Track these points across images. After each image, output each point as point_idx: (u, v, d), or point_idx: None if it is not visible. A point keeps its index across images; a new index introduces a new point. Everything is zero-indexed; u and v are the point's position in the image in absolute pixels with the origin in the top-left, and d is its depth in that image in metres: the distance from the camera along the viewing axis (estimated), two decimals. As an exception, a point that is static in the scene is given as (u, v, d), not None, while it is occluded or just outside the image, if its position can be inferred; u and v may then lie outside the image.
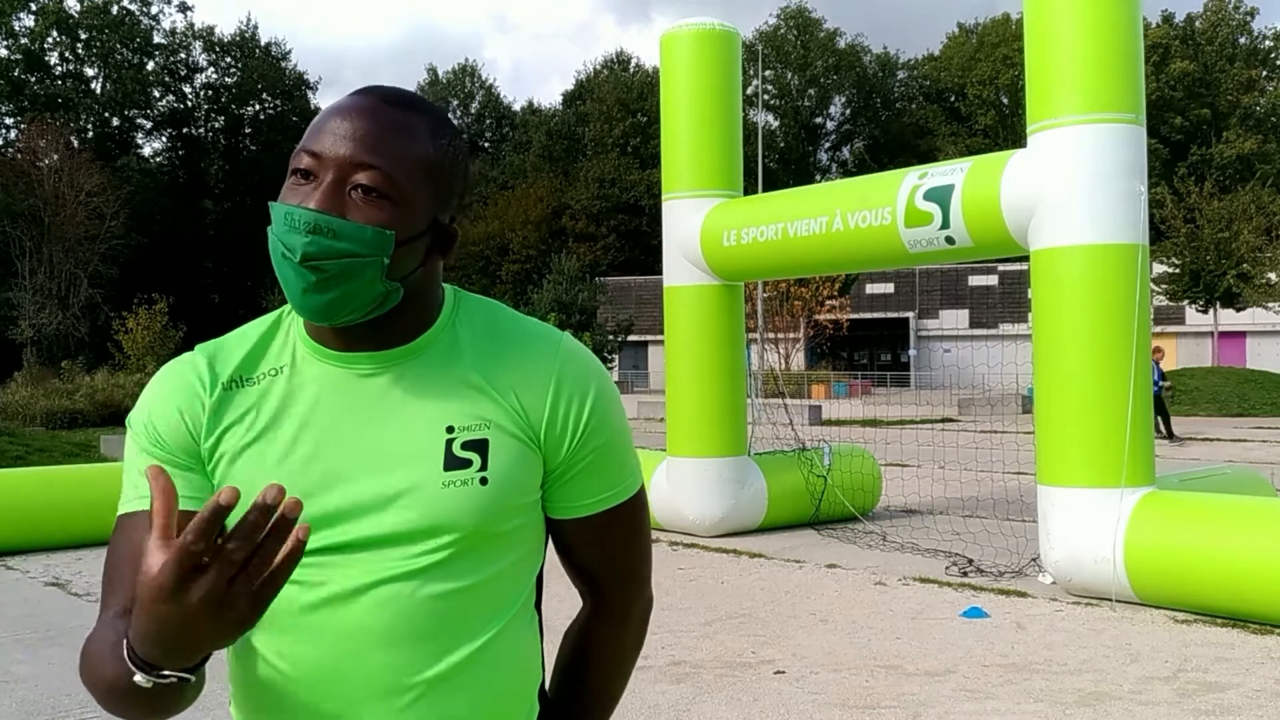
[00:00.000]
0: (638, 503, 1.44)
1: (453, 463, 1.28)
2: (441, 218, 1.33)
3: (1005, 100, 65.12)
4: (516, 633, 1.36)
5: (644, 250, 59.46)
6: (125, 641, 1.10)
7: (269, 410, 1.32)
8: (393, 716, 1.27)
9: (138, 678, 1.09)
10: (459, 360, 1.34)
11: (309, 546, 1.25)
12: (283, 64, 63.84)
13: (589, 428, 1.35)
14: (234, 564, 1.00)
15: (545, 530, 1.42)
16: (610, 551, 1.44)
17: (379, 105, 1.28)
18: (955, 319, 51.08)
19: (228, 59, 62.30)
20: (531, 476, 1.34)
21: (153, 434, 1.33)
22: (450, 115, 1.39)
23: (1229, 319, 40.95)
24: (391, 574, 1.27)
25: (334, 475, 1.29)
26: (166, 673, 1.08)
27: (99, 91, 57.83)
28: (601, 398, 1.37)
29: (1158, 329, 37.38)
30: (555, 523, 1.41)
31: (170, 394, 1.34)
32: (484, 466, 1.29)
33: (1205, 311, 39.00)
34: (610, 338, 44.61)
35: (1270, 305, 36.55)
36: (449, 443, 1.29)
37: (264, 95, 62.60)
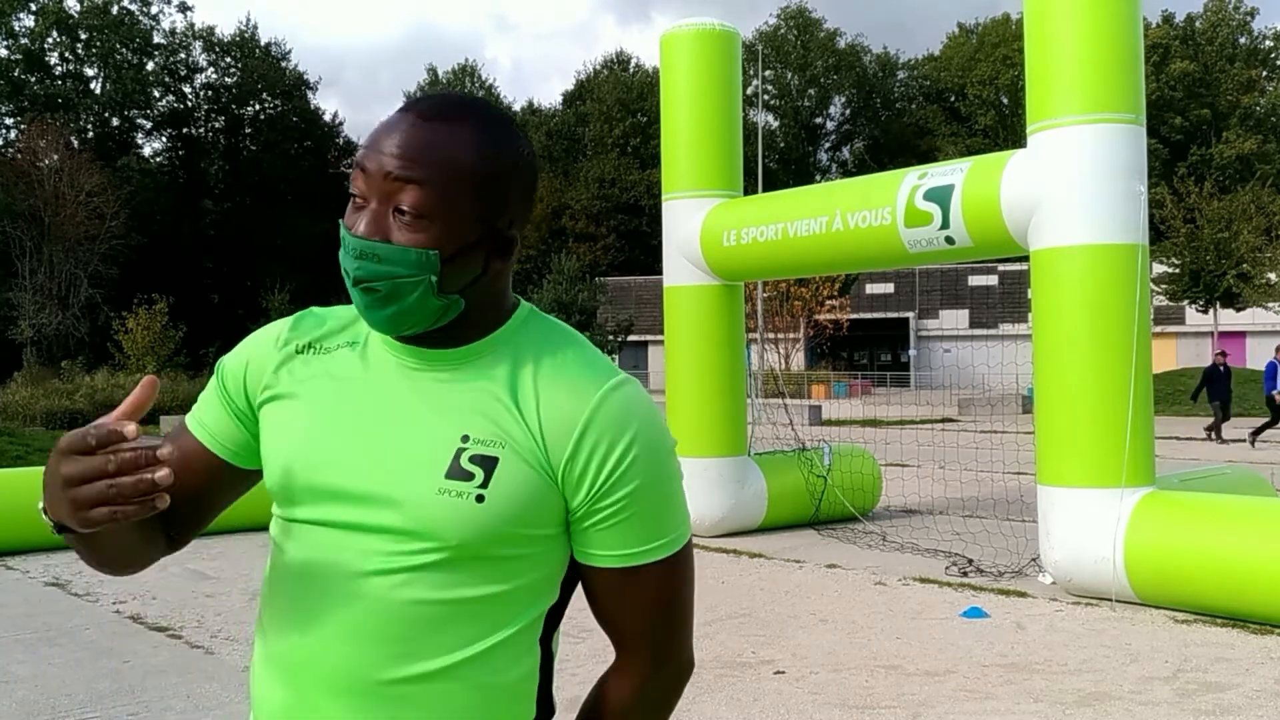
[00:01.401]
0: (672, 565, 1.35)
1: (455, 472, 1.27)
2: (499, 224, 1.31)
3: (1005, 100, 65.13)
4: (503, 661, 1.31)
5: (644, 250, 59.47)
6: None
7: (325, 378, 1.37)
8: (346, 715, 1.27)
9: (44, 517, 1.26)
10: (500, 376, 1.32)
11: (302, 516, 1.32)
12: (283, 64, 63.76)
13: (613, 479, 1.29)
14: (96, 467, 1.13)
15: (566, 568, 1.37)
16: (634, 609, 1.36)
17: (418, 121, 1.27)
18: (955, 319, 51.07)
19: (228, 59, 62.25)
20: (541, 510, 1.29)
21: (223, 374, 1.45)
22: (503, 114, 1.37)
23: (1229, 319, 40.93)
24: (371, 568, 1.27)
25: (346, 454, 1.31)
26: (62, 530, 1.24)
27: (99, 91, 57.80)
28: (634, 450, 1.29)
29: (1158, 329, 37.37)
30: (578, 565, 1.36)
31: (250, 347, 1.45)
32: (484, 484, 1.26)
33: (1205, 311, 38.98)
34: (610, 338, 44.58)
35: (1270, 305, 36.52)
36: (459, 451, 1.28)
37: (264, 95, 62.52)
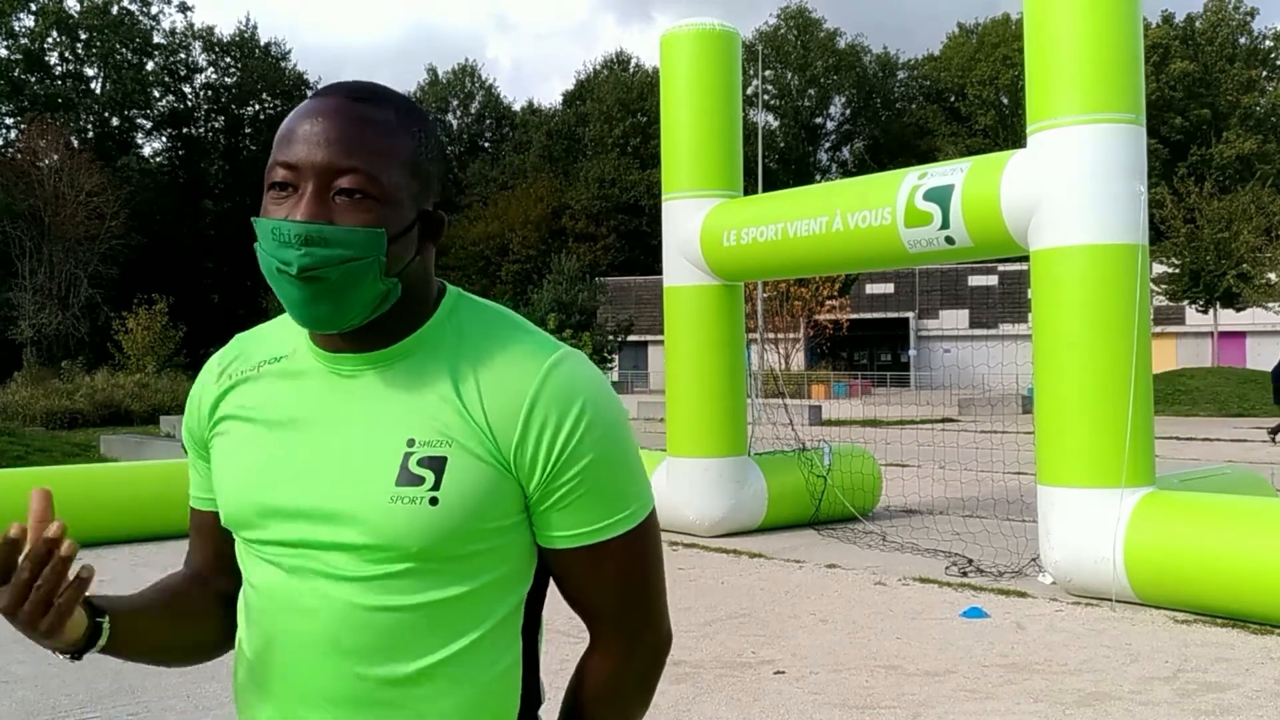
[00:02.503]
0: (636, 538, 1.33)
1: (405, 478, 1.24)
2: (426, 205, 1.30)
3: (1005, 100, 65.10)
4: (484, 657, 1.29)
5: (644, 250, 59.45)
6: None
7: (262, 401, 1.35)
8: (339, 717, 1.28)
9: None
10: (437, 371, 1.29)
11: (260, 538, 1.31)
12: (282, 64, 63.83)
13: (565, 455, 1.26)
14: (22, 584, 1.15)
15: (536, 554, 1.35)
16: (603, 586, 1.34)
17: (345, 103, 1.25)
18: (955, 319, 51.07)
19: (227, 59, 62.29)
20: (499, 501, 1.27)
21: (188, 436, 1.47)
22: (413, 100, 1.37)
23: (1229, 319, 40.95)
24: (337, 582, 1.26)
25: (294, 473, 1.29)
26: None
27: (99, 91, 57.80)
28: (583, 423, 1.26)
29: (1158, 329, 37.35)
30: (542, 550, 1.34)
31: (195, 397, 1.46)
32: (436, 486, 1.23)
33: (1205, 311, 39.00)
34: (610, 338, 44.58)
35: (1270, 305, 36.54)
36: (406, 456, 1.25)
37: (264, 95, 62.58)
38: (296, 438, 1.31)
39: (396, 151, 1.26)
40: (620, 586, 1.34)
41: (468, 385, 1.27)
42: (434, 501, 1.23)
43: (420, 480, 1.24)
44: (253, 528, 1.32)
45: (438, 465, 1.24)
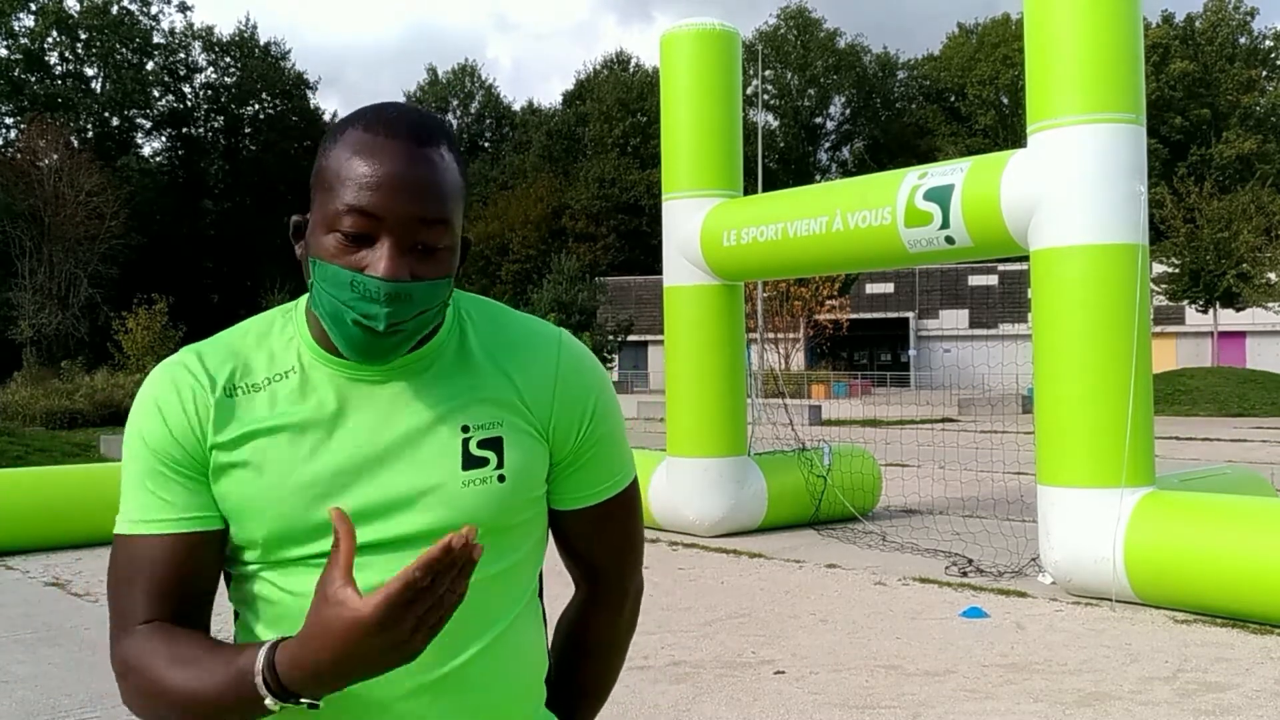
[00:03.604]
0: (633, 490, 1.49)
1: (471, 462, 1.32)
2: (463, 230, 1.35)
3: (1005, 100, 65.11)
4: (527, 623, 1.39)
5: (644, 250, 59.46)
6: (262, 666, 1.16)
7: (283, 414, 1.31)
8: (417, 712, 1.29)
9: (268, 701, 1.15)
10: (468, 361, 1.36)
11: (312, 551, 1.29)
12: (282, 64, 63.78)
13: (593, 420, 1.40)
14: (436, 597, 1.09)
15: (547, 523, 1.45)
16: (609, 539, 1.48)
17: (416, 150, 1.22)
18: (955, 319, 51.07)
19: (227, 59, 62.26)
20: (542, 470, 1.38)
21: (155, 447, 1.30)
22: (442, 118, 1.36)
23: (1229, 319, 40.95)
24: None
25: (357, 476, 1.30)
26: (304, 700, 1.15)
27: (99, 91, 57.79)
28: (602, 391, 1.42)
29: (1158, 329, 37.35)
30: (557, 514, 1.45)
31: (169, 403, 1.31)
32: (500, 464, 1.33)
33: (1205, 311, 39.00)
34: (610, 338, 44.58)
35: (1270, 305, 36.55)
36: (465, 442, 1.32)
37: (264, 95, 62.54)
38: (347, 443, 1.30)
39: (458, 192, 1.28)
40: (622, 536, 1.50)
41: (500, 369, 1.37)
42: (502, 479, 1.33)
43: (485, 461, 1.32)
44: (305, 542, 1.28)
45: (496, 445, 1.33)
